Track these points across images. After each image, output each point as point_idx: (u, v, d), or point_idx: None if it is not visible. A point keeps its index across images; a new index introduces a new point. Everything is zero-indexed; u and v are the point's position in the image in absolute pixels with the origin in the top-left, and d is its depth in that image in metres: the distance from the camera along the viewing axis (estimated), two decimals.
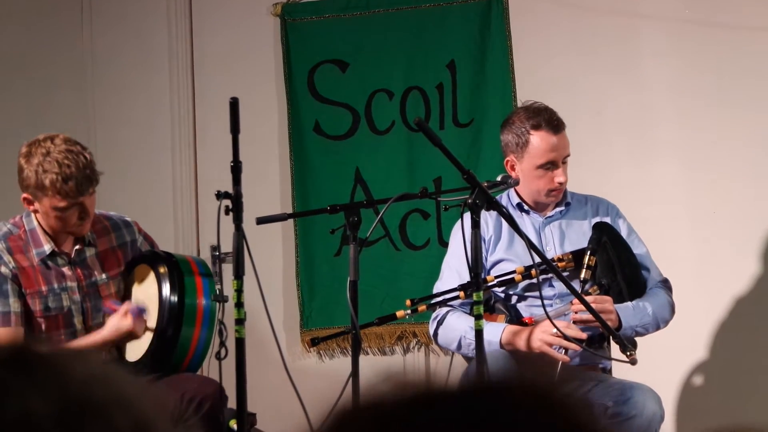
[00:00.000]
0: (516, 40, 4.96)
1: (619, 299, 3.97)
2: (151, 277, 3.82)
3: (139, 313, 3.74)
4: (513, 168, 4.08)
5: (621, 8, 4.88)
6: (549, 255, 4.05)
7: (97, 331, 3.77)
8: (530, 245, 3.60)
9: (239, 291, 3.46)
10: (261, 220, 3.75)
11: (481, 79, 4.99)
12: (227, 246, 3.57)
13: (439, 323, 4.03)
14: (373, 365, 4.92)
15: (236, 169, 3.52)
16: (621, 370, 4.03)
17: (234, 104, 3.51)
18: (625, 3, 4.89)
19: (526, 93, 4.70)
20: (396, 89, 5.05)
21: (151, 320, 3.77)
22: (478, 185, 3.52)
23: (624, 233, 4.11)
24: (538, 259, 3.69)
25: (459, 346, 3.99)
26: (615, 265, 4.02)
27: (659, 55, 4.85)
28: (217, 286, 3.65)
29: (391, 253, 5.03)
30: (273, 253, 5.10)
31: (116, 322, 3.75)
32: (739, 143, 4.77)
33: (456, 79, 5.01)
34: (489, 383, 0.85)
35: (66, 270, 3.78)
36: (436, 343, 4.12)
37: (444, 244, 4.67)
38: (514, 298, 4.08)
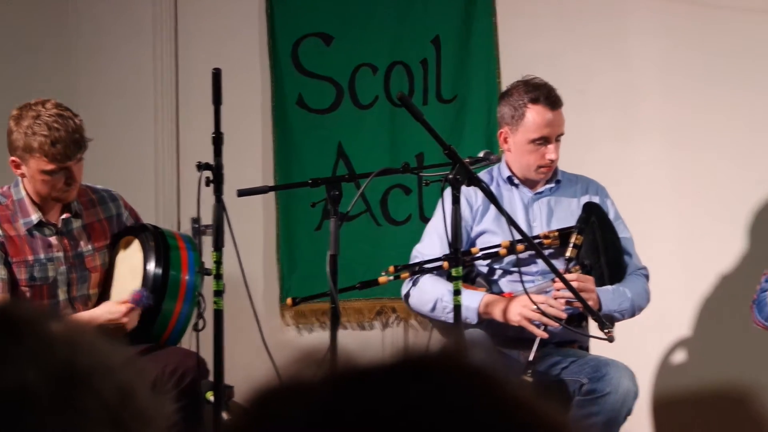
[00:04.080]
0: (501, 17, 4.95)
1: (599, 282, 3.99)
2: (137, 248, 3.82)
3: (140, 301, 3.71)
4: (506, 140, 4.08)
5: None
6: (535, 231, 4.06)
7: (89, 311, 3.76)
8: (510, 222, 3.60)
9: (218, 263, 3.47)
10: (242, 193, 3.75)
11: (465, 56, 4.98)
12: (208, 218, 3.57)
13: (414, 283, 4.03)
14: (352, 340, 4.92)
15: (218, 140, 3.53)
16: (598, 348, 4.05)
17: (216, 75, 3.52)
18: None
19: (510, 70, 4.70)
20: (380, 64, 5.04)
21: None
22: (459, 161, 3.53)
23: (611, 216, 4.12)
24: (519, 235, 3.70)
25: (433, 308, 3.97)
26: (599, 247, 4.03)
27: (645, 32, 4.84)
28: (202, 260, 3.65)
29: (372, 228, 5.03)
30: (254, 226, 5.09)
31: (111, 306, 3.74)
32: (723, 122, 4.77)
33: (440, 54, 5.00)
34: (411, 359, 0.84)
35: (53, 240, 3.77)
36: (407, 304, 4.08)
37: (425, 219, 4.67)
38: (497, 273, 4.09)
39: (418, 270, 4.01)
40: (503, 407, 0.82)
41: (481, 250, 4.03)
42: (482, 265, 4.09)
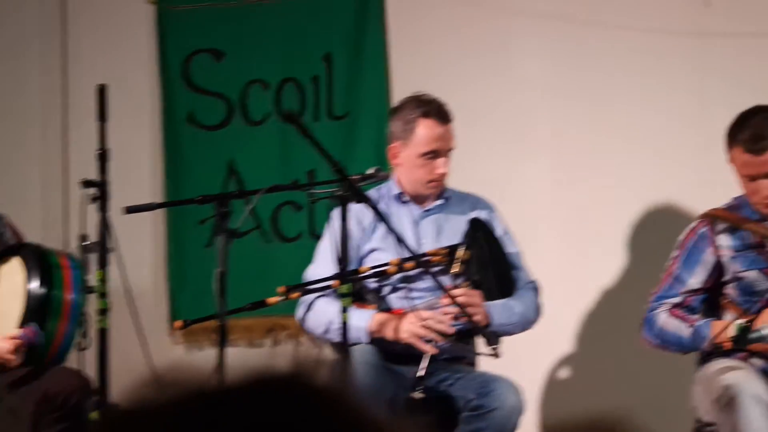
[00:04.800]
0: (392, 35, 4.98)
1: (488, 296, 4.02)
2: (18, 268, 3.75)
3: (31, 339, 3.63)
4: (397, 155, 4.10)
5: (498, 3, 4.93)
6: (424, 248, 4.08)
7: None
8: (398, 240, 3.62)
9: (102, 281, 3.43)
10: (130, 210, 3.72)
11: (357, 73, 4.99)
12: (97, 236, 3.53)
13: (309, 307, 4.03)
14: (241, 358, 4.89)
15: (103, 156, 3.50)
16: (486, 365, 4.08)
17: (102, 91, 3.48)
18: (502, 1, 4.94)
19: (401, 88, 4.72)
20: (271, 80, 5.03)
21: (17, 311, 3.70)
22: (347, 178, 3.53)
23: (499, 232, 4.16)
24: (407, 253, 3.71)
25: (326, 331, 3.98)
26: (487, 262, 4.07)
27: (532, 52, 4.91)
28: (88, 277, 3.61)
29: (263, 246, 5.01)
30: (144, 244, 5.04)
31: None
32: (608, 142, 4.85)
33: (332, 71, 5.01)
34: (259, 380, 0.84)
35: None
36: (303, 327, 4.09)
37: (316, 236, 4.66)
38: (386, 289, 4.10)
39: (309, 290, 4.01)
40: (348, 429, 0.82)
41: (372, 268, 4.04)
42: (372, 282, 4.10)
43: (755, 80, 4.73)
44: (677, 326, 3.89)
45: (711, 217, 3.94)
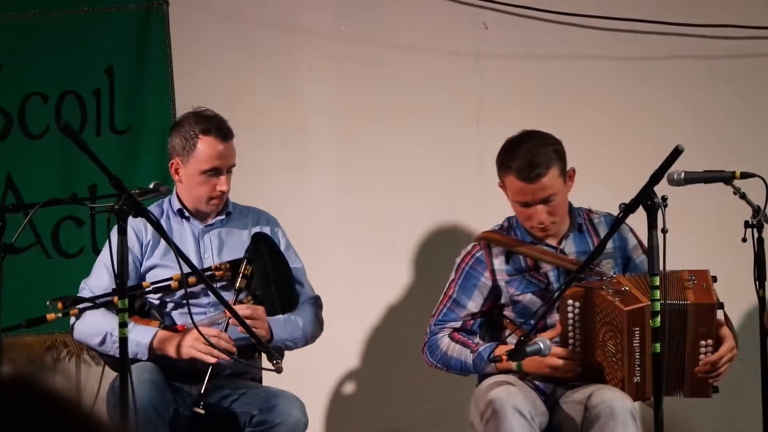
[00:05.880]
0: (177, 49, 4.94)
1: (271, 311, 4.02)
2: None
3: None
4: (177, 172, 4.06)
5: (280, 22, 4.95)
6: (207, 263, 4.06)
7: None
8: (178, 254, 3.59)
9: None
10: None
11: (139, 87, 4.93)
12: None
13: (80, 317, 3.96)
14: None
15: None
16: (271, 380, 4.08)
17: None
18: (284, 16, 4.97)
19: (185, 102, 4.69)
20: (51, 93, 4.92)
21: None
22: (125, 191, 3.48)
23: (282, 246, 4.17)
24: (188, 268, 3.68)
25: (102, 342, 3.92)
26: (270, 277, 4.07)
27: (316, 69, 4.95)
28: None
29: (43, 261, 4.89)
30: None
31: None
32: (392, 159, 4.93)
33: (114, 85, 4.93)
34: None
35: None
36: (73, 336, 4.02)
37: (98, 252, 4.58)
38: (169, 306, 4.06)
39: (88, 306, 3.94)
40: (66, 427, 0.82)
41: (152, 283, 4.00)
42: (154, 298, 4.06)
43: (528, 98, 4.91)
44: (460, 351, 3.96)
45: (486, 240, 4.03)
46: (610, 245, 3.92)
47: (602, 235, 3.94)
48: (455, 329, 4.00)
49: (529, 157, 3.84)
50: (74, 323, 3.97)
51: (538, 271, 3.97)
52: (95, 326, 3.93)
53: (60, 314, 3.94)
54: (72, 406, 0.83)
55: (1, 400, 0.81)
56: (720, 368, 3.81)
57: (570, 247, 4.00)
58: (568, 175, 3.92)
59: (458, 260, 4.05)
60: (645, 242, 3.66)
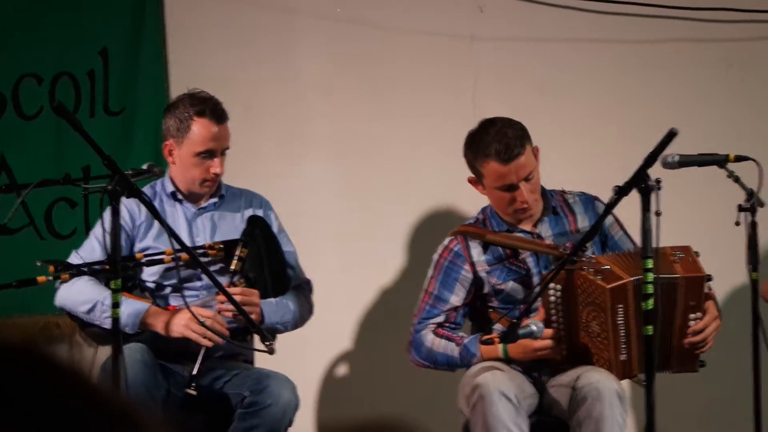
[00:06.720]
0: (171, 31, 4.92)
1: (263, 294, 4.02)
2: None
3: None
4: (171, 153, 4.06)
5: (276, 3, 4.94)
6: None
7: None
8: (171, 234, 3.59)
9: None
10: None
11: (133, 68, 4.91)
12: None
13: (63, 283, 3.94)
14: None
15: None
16: (263, 362, 4.08)
17: None
18: None
19: (179, 83, 4.68)
20: (45, 74, 4.90)
21: None
22: (118, 172, 3.48)
23: (275, 229, 4.16)
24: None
25: (92, 309, 3.89)
26: (264, 260, 4.07)
27: (312, 51, 4.94)
28: None
29: (36, 242, 4.88)
30: None
31: None
32: (388, 142, 4.93)
33: (108, 66, 4.92)
34: None
35: None
36: (59, 301, 3.99)
37: None
38: (166, 290, 4.05)
39: (79, 272, 3.93)
40: (74, 396, 0.82)
41: (146, 255, 3.99)
42: (149, 282, 4.05)
43: (524, 81, 4.90)
44: (446, 345, 3.96)
45: (462, 233, 4.03)
46: (585, 225, 3.95)
47: (577, 214, 4.00)
48: (439, 324, 4.00)
49: (503, 138, 3.86)
50: (60, 287, 3.95)
51: (517, 258, 3.98)
52: (86, 293, 3.91)
53: (51, 277, 3.92)
54: (81, 375, 0.83)
55: (12, 365, 0.81)
56: (707, 338, 3.82)
57: (546, 230, 4.00)
58: (534, 154, 3.94)
59: (435, 256, 4.05)
60: (631, 224, 3.65)
